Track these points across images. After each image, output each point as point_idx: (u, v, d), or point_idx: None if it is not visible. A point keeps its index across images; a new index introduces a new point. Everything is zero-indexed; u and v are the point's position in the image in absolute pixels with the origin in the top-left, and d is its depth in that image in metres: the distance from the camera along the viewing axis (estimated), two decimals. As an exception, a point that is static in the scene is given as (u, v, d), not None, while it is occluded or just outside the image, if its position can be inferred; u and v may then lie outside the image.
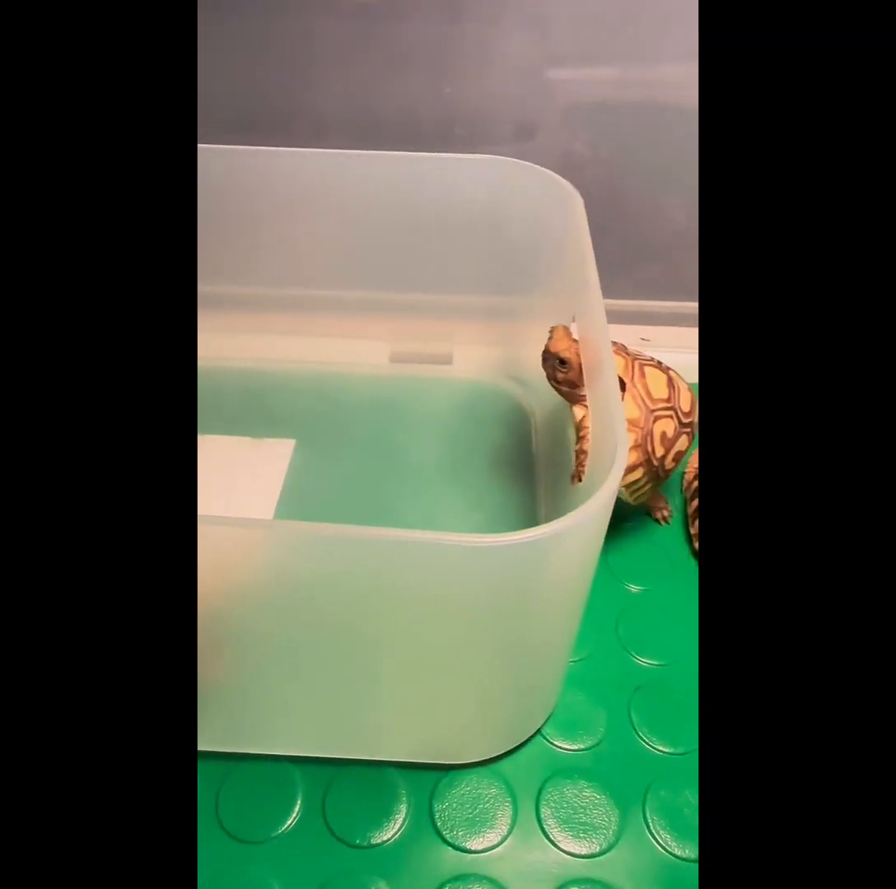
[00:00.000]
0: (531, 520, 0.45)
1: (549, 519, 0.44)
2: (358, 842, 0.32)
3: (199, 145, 0.45)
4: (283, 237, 0.49)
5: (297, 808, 0.33)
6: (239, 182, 0.46)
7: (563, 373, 0.36)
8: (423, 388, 0.53)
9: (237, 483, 0.45)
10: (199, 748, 0.34)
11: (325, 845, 0.32)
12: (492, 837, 0.33)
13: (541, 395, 0.51)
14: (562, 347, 0.37)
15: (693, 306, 0.56)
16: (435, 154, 0.45)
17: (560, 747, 0.35)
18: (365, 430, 0.50)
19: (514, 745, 0.35)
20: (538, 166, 0.42)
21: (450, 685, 0.32)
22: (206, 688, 0.32)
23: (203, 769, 0.34)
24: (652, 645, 0.39)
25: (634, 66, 0.48)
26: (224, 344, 0.53)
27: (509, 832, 0.33)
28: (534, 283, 0.48)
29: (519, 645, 0.31)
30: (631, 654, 0.38)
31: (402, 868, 0.32)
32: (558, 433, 0.47)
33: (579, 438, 0.34)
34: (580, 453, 0.34)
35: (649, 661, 0.38)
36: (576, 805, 0.33)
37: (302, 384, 0.52)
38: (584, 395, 0.36)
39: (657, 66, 0.48)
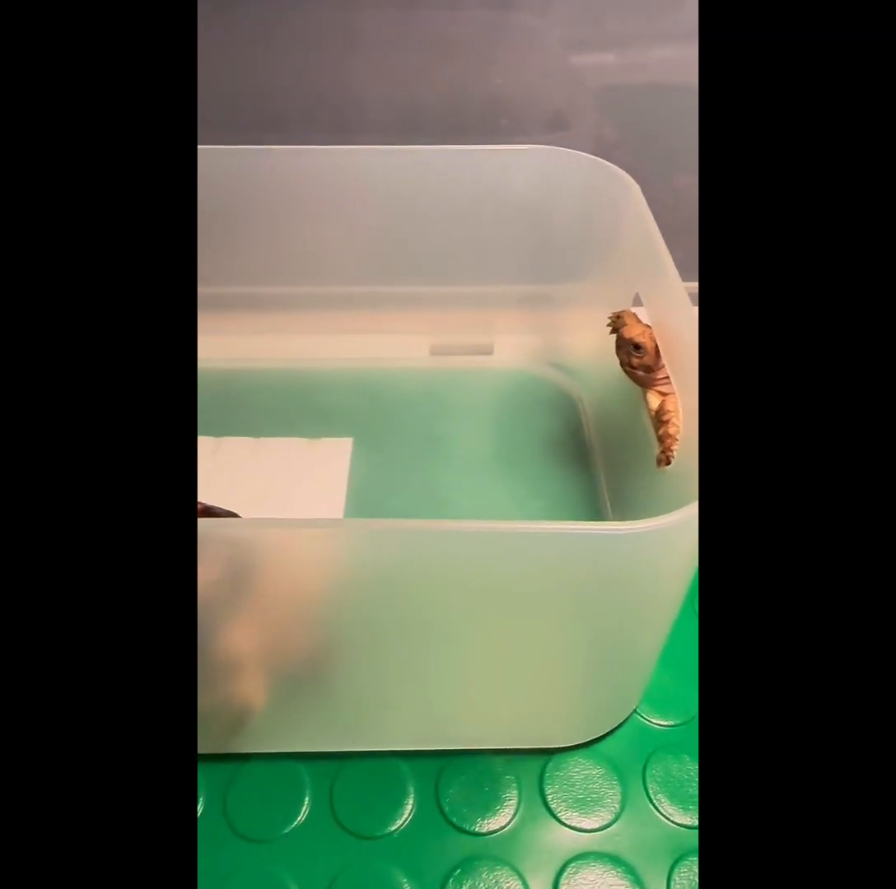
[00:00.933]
0: (593, 506, 0.46)
1: (615, 505, 0.45)
2: (475, 829, 0.33)
3: (239, 146, 0.45)
4: (322, 236, 0.49)
5: (410, 802, 0.34)
6: (279, 181, 0.46)
7: (637, 358, 0.37)
8: (465, 379, 0.53)
9: (300, 485, 0.45)
10: (310, 749, 0.34)
11: (444, 835, 0.33)
12: (605, 816, 0.33)
13: (587, 381, 0.52)
14: (636, 333, 0.37)
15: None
16: (478, 146, 0.45)
17: (657, 724, 0.36)
18: (413, 424, 0.50)
19: (615, 726, 0.36)
20: (589, 154, 0.43)
21: (556, 671, 0.33)
22: (316, 690, 0.32)
23: (313, 769, 0.34)
24: (729, 620, 0.40)
25: (672, 47, 0.49)
26: (266, 345, 0.52)
27: (621, 810, 0.34)
28: (579, 271, 0.48)
29: (629, 629, 0.31)
30: (711, 630, 0.40)
31: (522, 851, 0.32)
32: (612, 418, 0.48)
33: (662, 422, 0.35)
34: (667, 437, 0.34)
35: (729, 636, 0.39)
36: (682, 778, 0.34)
37: (345, 382, 0.52)
38: (662, 379, 0.37)
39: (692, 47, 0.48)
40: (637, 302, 0.41)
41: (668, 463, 0.35)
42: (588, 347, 0.51)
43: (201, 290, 0.50)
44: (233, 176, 0.46)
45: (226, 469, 0.46)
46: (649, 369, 0.37)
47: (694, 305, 0.33)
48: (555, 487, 0.47)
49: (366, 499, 0.45)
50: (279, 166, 0.46)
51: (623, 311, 0.40)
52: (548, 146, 0.44)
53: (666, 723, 0.36)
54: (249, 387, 0.51)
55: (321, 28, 0.45)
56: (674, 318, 0.35)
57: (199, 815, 0.33)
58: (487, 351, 0.54)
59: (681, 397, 0.34)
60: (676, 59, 0.49)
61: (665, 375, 0.37)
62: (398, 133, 0.49)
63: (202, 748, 0.34)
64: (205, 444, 0.47)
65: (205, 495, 0.38)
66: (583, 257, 0.48)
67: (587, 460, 0.48)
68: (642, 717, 0.36)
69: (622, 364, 0.38)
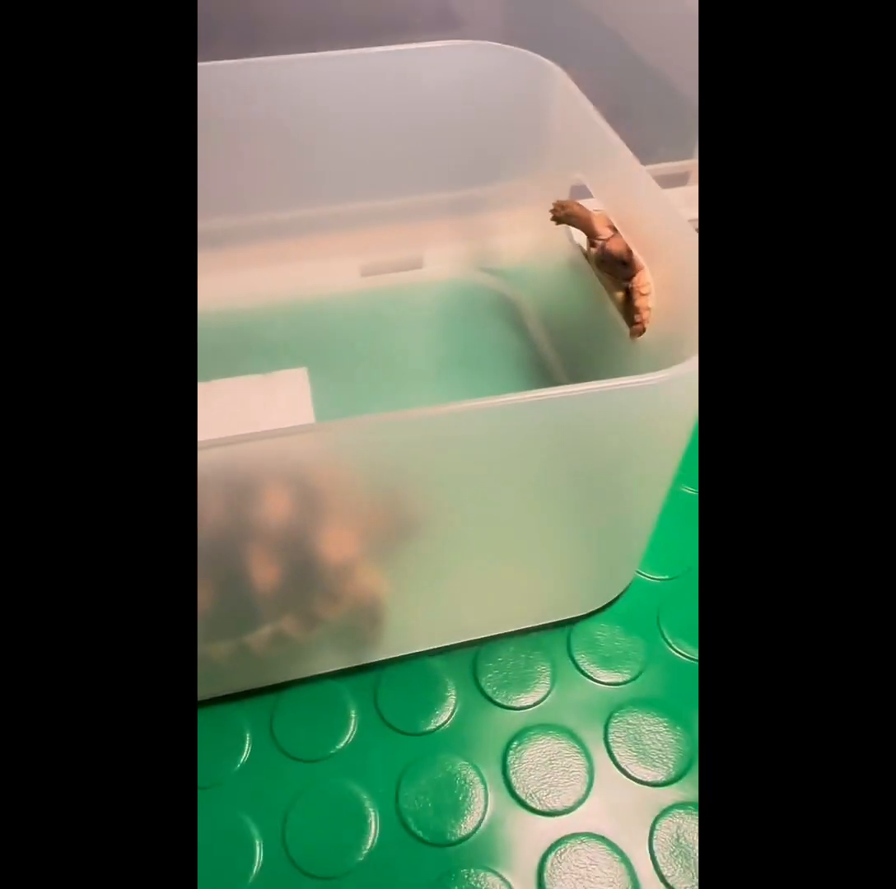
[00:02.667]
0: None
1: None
2: (515, 704, 0.35)
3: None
4: (234, 162, 0.46)
5: (452, 694, 0.35)
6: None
7: (623, 272, 0.37)
8: (401, 296, 0.53)
9: (266, 419, 0.44)
10: (347, 665, 0.35)
11: (491, 714, 0.35)
12: (633, 668, 0.36)
13: (520, 283, 0.52)
14: (619, 247, 0.37)
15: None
16: (386, 47, 0.44)
17: (659, 579, 0.39)
18: (360, 346, 0.50)
19: (625, 587, 0.38)
20: (511, 46, 0.42)
21: (577, 540, 0.35)
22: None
23: (352, 683, 0.35)
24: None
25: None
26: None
27: (645, 665, 0.36)
28: (508, 169, 0.48)
29: (636, 488, 0.33)
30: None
31: (568, 712, 0.35)
32: (557, 315, 0.49)
33: (641, 294, 0.36)
34: (644, 309, 0.36)
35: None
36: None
37: (281, 314, 0.51)
38: (634, 274, 0.37)
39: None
40: (574, 195, 0.42)
41: (643, 331, 0.36)
42: (519, 249, 0.51)
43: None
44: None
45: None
46: (630, 277, 0.38)
47: (650, 179, 0.34)
48: (516, 383, 0.48)
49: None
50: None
51: (567, 201, 0.40)
52: (462, 40, 0.43)
53: (666, 576, 0.39)
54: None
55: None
56: (632, 193, 0.36)
57: (248, 750, 0.33)
58: (417, 265, 0.54)
59: (650, 272, 0.36)
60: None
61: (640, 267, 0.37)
62: (301, 41, 0.46)
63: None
64: (154, 396, 0.45)
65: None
66: (515, 154, 0.47)
67: (542, 358, 0.49)
68: (644, 575, 0.39)
69: (601, 274, 0.39)
